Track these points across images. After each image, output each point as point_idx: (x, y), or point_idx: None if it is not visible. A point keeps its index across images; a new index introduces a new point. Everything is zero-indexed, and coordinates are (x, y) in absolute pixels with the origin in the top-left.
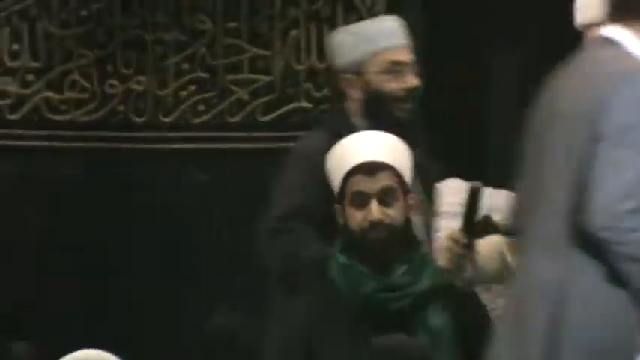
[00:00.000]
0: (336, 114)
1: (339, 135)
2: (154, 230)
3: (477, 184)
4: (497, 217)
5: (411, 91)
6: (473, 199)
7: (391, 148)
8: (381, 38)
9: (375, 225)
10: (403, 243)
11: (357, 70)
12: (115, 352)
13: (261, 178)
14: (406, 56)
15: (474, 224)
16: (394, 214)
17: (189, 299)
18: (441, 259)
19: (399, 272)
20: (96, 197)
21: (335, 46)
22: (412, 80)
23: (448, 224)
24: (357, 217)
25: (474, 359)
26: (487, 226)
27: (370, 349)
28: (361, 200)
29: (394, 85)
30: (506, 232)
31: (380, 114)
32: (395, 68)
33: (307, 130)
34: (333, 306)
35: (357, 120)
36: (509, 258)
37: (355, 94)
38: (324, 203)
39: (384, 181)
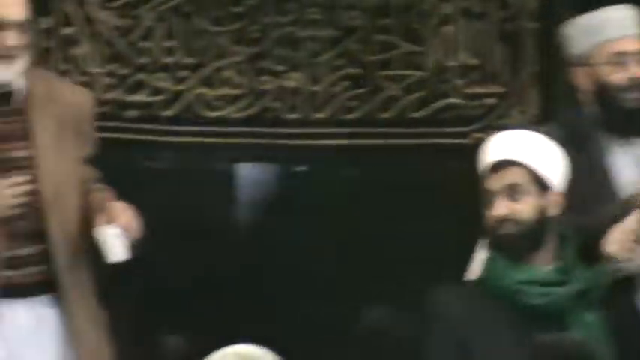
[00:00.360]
0: (570, 107)
1: (572, 127)
2: (307, 225)
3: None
4: None
5: (635, 81)
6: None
7: (526, 144)
8: (606, 29)
9: (502, 221)
10: (538, 239)
11: (585, 61)
12: (268, 348)
13: (412, 174)
14: (632, 46)
15: None
16: (522, 209)
17: (343, 296)
18: (613, 246)
19: (547, 269)
20: (248, 192)
21: (565, 38)
22: (637, 70)
23: None
24: (487, 215)
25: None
26: None
27: (529, 346)
28: (490, 198)
29: (619, 76)
30: None
31: (608, 105)
32: (619, 59)
33: (458, 126)
34: (485, 302)
35: (589, 111)
36: None
37: (585, 86)
38: None
39: (509, 177)
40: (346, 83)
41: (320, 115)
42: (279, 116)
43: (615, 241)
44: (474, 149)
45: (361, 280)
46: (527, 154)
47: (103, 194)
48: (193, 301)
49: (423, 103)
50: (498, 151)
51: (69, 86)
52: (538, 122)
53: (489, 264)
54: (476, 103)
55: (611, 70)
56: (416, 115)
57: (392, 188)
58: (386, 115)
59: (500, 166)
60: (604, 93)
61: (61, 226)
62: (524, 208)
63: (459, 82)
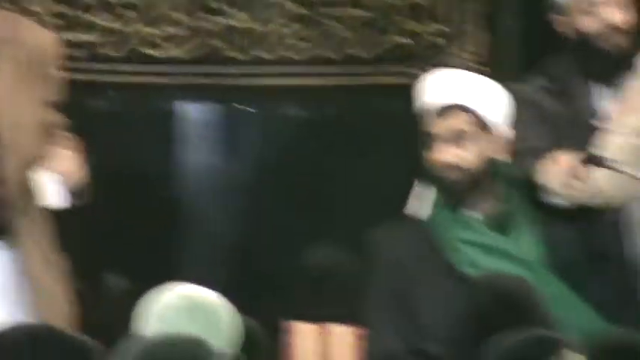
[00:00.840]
0: (556, 56)
1: (557, 77)
2: (253, 165)
3: (596, 149)
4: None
5: (611, 27)
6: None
7: (472, 88)
8: None
9: (446, 167)
10: (482, 186)
11: (563, 12)
12: (210, 289)
13: (358, 114)
14: None
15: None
16: (467, 156)
17: (288, 236)
18: (553, 181)
19: (490, 222)
20: (194, 133)
21: None
22: (612, 15)
23: None
24: (431, 157)
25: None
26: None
27: (467, 287)
28: (433, 140)
29: (595, 25)
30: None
31: (588, 52)
32: (591, 9)
33: (405, 66)
34: (424, 244)
35: (570, 58)
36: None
37: (568, 35)
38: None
39: (456, 123)
40: (293, 23)
41: (267, 55)
42: (225, 56)
43: (554, 176)
44: None
45: (307, 220)
46: (474, 99)
47: (59, 139)
48: (135, 241)
49: (370, 42)
50: (443, 93)
51: (33, 28)
52: (484, 63)
53: (435, 210)
54: (424, 42)
55: (588, 19)
56: (362, 54)
57: (339, 128)
58: (332, 55)
59: (447, 110)
60: (584, 41)
61: (17, 169)
62: (470, 154)
63: (407, 21)
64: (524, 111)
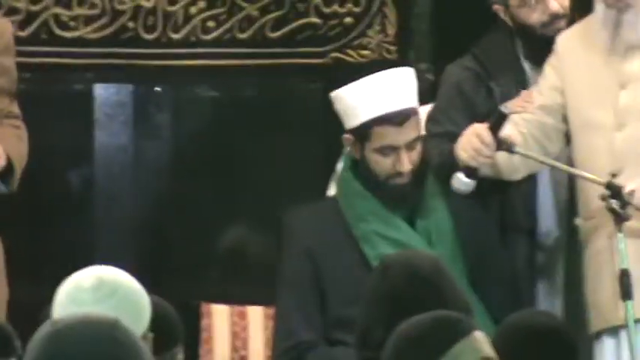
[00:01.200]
0: (496, 41)
1: (486, 60)
2: (167, 145)
3: (505, 110)
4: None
5: (555, 15)
6: (498, 121)
7: (411, 85)
8: None
9: (402, 173)
10: (419, 181)
11: (504, 2)
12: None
13: (270, 95)
14: None
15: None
16: (416, 158)
17: (204, 215)
18: (463, 152)
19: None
20: (106, 114)
21: None
22: (555, 6)
23: None
24: (382, 164)
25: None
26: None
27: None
28: (390, 151)
29: (537, 15)
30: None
31: (529, 39)
32: (537, 5)
33: (316, 46)
34: (338, 225)
35: (507, 43)
36: None
37: (508, 23)
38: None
39: (412, 130)
40: (202, 3)
41: (177, 36)
42: (136, 36)
43: (464, 147)
44: (331, 69)
45: (221, 201)
46: (413, 97)
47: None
48: (50, 222)
49: (280, 22)
50: (392, 99)
51: None
52: (395, 43)
53: (355, 201)
54: (334, 22)
55: (528, 11)
56: (274, 35)
57: (251, 109)
58: (243, 36)
59: (404, 118)
60: (525, 30)
61: None
62: (417, 156)
63: (317, 1)
64: (446, 94)
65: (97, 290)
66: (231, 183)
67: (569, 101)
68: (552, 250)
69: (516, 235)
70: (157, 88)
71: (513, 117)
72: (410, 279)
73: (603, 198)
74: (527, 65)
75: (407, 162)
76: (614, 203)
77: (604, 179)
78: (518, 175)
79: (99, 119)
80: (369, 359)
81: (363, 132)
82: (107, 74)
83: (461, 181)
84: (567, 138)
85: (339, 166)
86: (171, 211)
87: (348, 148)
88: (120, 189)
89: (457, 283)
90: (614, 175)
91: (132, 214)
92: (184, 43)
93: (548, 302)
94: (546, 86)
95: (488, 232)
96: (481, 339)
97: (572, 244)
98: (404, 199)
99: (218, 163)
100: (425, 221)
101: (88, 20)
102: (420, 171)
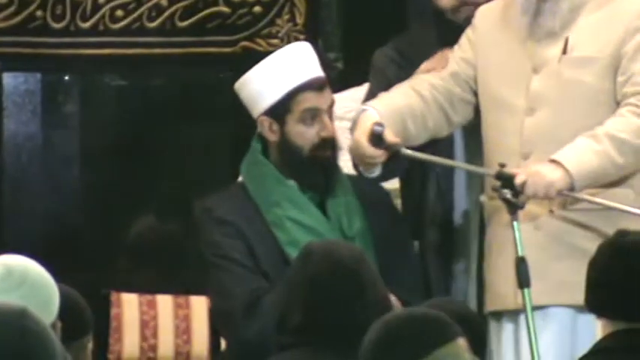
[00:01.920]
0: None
1: (407, 49)
2: (77, 134)
3: (379, 129)
4: None
5: (462, 1)
6: (376, 140)
7: (315, 57)
8: None
9: (326, 141)
10: (336, 159)
11: None
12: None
13: (180, 83)
14: None
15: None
16: (334, 129)
17: (108, 204)
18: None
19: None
20: (16, 102)
21: None
22: None
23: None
24: (306, 134)
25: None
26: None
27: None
28: (312, 116)
29: (445, 0)
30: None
31: (445, 27)
32: None
33: (225, 35)
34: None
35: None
36: None
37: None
38: None
39: (330, 96)
40: None
41: (86, 25)
42: (44, 25)
43: (353, 156)
44: (241, 58)
45: (131, 188)
46: (320, 68)
47: None
48: None
49: (190, 11)
50: (308, 67)
51: None
52: (304, 32)
53: (269, 185)
54: (243, 11)
55: None
56: (183, 24)
57: (160, 97)
58: (152, 25)
59: (321, 82)
60: (440, 15)
61: None
62: (334, 127)
63: None
64: (374, 79)
65: (5, 279)
66: (140, 171)
67: (480, 77)
68: (466, 234)
69: (429, 221)
70: (66, 77)
71: (422, 79)
72: (331, 267)
73: (494, 189)
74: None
75: (331, 126)
76: (507, 193)
77: (493, 170)
78: (419, 141)
79: (7, 108)
80: (287, 344)
81: (283, 106)
82: (15, 63)
83: (366, 172)
84: (476, 112)
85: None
86: (79, 200)
87: (265, 132)
88: (28, 177)
89: (378, 274)
90: (502, 166)
91: (40, 203)
92: (93, 31)
93: (463, 285)
94: (460, 56)
95: (396, 218)
96: (463, 346)
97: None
98: (325, 171)
99: (127, 151)
100: (336, 208)
101: None
102: (336, 149)
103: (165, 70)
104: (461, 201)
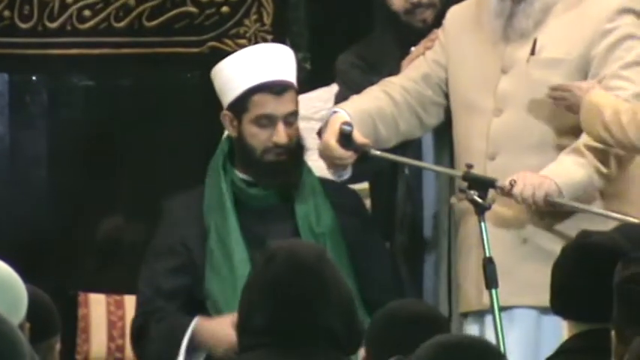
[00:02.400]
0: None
1: (367, 55)
2: (44, 135)
3: (348, 129)
4: None
5: (417, 4)
6: (345, 140)
7: (290, 61)
8: None
9: (279, 147)
10: (297, 159)
11: None
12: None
13: (147, 83)
14: None
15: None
16: (293, 134)
17: (76, 205)
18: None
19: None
20: None
21: None
22: None
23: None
24: (259, 136)
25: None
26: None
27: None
28: (267, 121)
29: (398, 2)
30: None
31: (401, 28)
32: None
33: (192, 35)
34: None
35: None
36: None
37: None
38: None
39: (290, 103)
40: None
41: (53, 25)
42: (12, 25)
43: (322, 157)
44: (208, 58)
45: (98, 188)
46: (293, 74)
47: None
48: None
49: (157, 11)
50: (271, 69)
51: None
52: (272, 32)
53: (224, 186)
54: (210, 11)
55: None
56: (150, 24)
57: (127, 98)
58: (120, 25)
59: (283, 89)
60: (392, 18)
61: None
62: (295, 133)
63: None
64: (339, 84)
65: None
66: (107, 172)
67: (450, 80)
68: (436, 234)
69: (399, 221)
70: (33, 77)
71: (394, 82)
72: (293, 268)
73: (462, 190)
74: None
75: (284, 134)
76: (474, 194)
77: (460, 171)
78: (391, 144)
79: None
80: (250, 345)
81: (241, 104)
82: None
83: (335, 174)
84: (448, 113)
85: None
86: (47, 200)
87: (227, 126)
88: (4, 181)
89: (342, 274)
90: (470, 167)
91: (8, 203)
92: (60, 32)
93: (433, 286)
94: (431, 58)
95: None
96: None
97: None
98: (279, 175)
99: (95, 152)
100: (305, 207)
101: None
102: (297, 152)
103: (133, 70)
104: (430, 201)
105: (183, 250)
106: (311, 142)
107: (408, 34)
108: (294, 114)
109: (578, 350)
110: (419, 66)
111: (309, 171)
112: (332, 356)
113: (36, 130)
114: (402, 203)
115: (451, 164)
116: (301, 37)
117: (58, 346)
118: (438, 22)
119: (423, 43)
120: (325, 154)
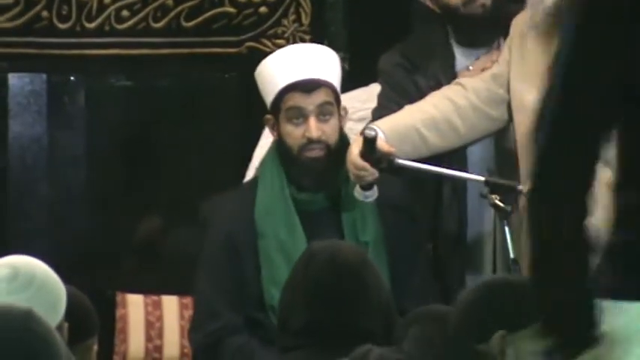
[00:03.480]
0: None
1: (412, 54)
2: (84, 135)
3: (371, 134)
4: None
5: None
6: (368, 144)
7: (326, 61)
8: None
9: (313, 142)
10: (339, 160)
11: None
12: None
13: (185, 83)
14: None
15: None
16: (331, 131)
17: (114, 206)
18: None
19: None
20: (21, 103)
21: None
22: None
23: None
24: (294, 133)
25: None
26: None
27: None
28: (297, 116)
29: None
30: None
31: (452, 20)
32: None
33: (231, 35)
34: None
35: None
36: None
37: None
38: None
39: (321, 96)
40: None
41: (91, 25)
42: (50, 25)
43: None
44: (246, 58)
45: (136, 189)
46: (331, 73)
47: None
48: None
49: (195, 12)
50: (304, 69)
51: None
52: (310, 32)
53: (269, 186)
54: (249, 11)
55: None
56: (188, 24)
57: (165, 98)
58: (158, 25)
59: (313, 85)
60: (449, 13)
61: None
62: (332, 129)
63: None
64: (382, 82)
65: (13, 281)
66: (146, 173)
67: (510, 81)
68: (481, 236)
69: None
70: (72, 78)
71: (461, 84)
72: (334, 269)
73: (483, 195)
74: (457, 49)
75: (315, 128)
76: (495, 198)
77: (482, 177)
78: (453, 147)
79: (13, 109)
80: (290, 346)
81: (276, 105)
82: (21, 64)
83: (361, 194)
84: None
85: (256, 152)
86: (85, 201)
87: (270, 130)
88: (34, 179)
89: (382, 276)
90: (491, 173)
91: (46, 204)
92: (98, 32)
93: None
94: (502, 58)
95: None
96: None
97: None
98: (318, 173)
99: (133, 153)
100: (351, 214)
101: (2, 9)
102: (338, 151)
103: (170, 70)
104: (474, 205)
105: (235, 257)
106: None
107: (466, 25)
108: (328, 106)
109: None
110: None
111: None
112: None
113: (74, 130)
114: (447, 202)
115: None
116: (339, 38)
117: (95, 347)
118: (495, 6)
119: (482, 62)
120: (349, 166)
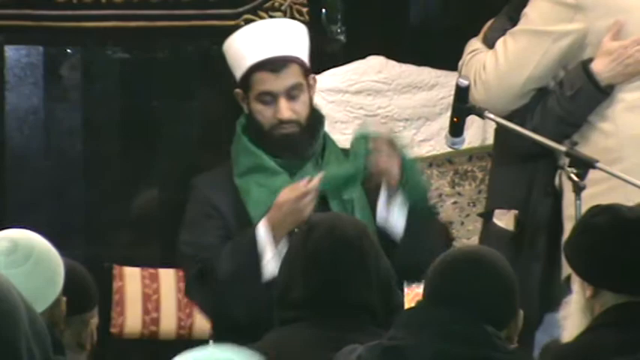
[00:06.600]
0: None
1: None
2: (81, 107)
3: (464, 82)
4: None
5: None
6: (461, 95)
7: (295, 35)
8: None
9: (284, 122)
10: (313, 131)
11: None
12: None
13: (182, 56)
14: None
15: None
16: (301, 108)
17: (110, 178)
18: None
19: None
20: (18, 75)
21: None
22: None
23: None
24: (264, 113)
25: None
26: None
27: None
28: (269, 98)
29: None
30: None
31: None
32: None
33: (227, 8)
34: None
35: None
36: None
37: None
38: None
39: (290, 77)
40: None
41: None
42: None
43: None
44: None
45: (133, 161)
46: (298, 47)
47: None
48: None
49: None
50: (270, 45)
51: None
52: (307, 4)
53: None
54: None
55: None
56: None
57: (162, 71)
58: None
59: (280, 63)
60: None
61: None
62: (302, 106)
63: None
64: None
65: (11, 254)
66: (142, 145)
67: None
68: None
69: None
70: (68, 50)
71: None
72: (333, 241)
73: (560, 166)
74: None
75: (286, 110)
76: (572, 171)
77: (564, 147)
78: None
79: (9, 81)
80: (288, 318)
81: (246, 82)
82: (18, 36)
83: (450, 141)
84: None
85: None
86: (82, 173)
87: (240, 103)
88: (31, 151)
89: (381, 251)
90: (574, 144)
91: (43, 176)
92: (95, 4)
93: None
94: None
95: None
96: None
97: None
98: (291, 148)
99: (129, 125)
100: (333, 173)
101: None
102: (311, 124)
103: (167, 43)
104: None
105: (217, 215)
106: (344, 115)
107: None
108: (297, 87)
109: (616, 322)
110: None
111: (333, 143)
112: (370, 330)
113: (70, 102)
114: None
115: None
116: (336, 10)
117: (94, 320)
118: None
119: None
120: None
